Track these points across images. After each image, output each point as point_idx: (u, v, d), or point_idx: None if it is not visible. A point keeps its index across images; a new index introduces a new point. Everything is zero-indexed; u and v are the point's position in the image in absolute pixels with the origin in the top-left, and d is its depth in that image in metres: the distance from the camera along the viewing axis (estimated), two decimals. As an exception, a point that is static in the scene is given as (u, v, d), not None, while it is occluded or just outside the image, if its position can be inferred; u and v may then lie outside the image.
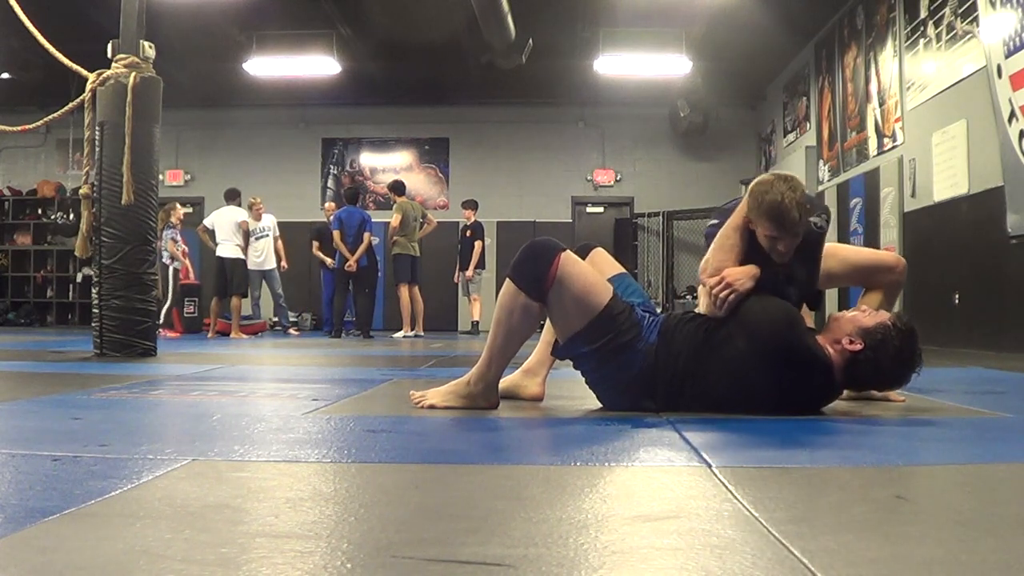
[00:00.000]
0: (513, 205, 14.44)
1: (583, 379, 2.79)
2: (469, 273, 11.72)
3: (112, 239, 5.32)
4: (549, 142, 14.74)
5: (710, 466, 1.74)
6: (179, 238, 10.44)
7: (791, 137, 12.71)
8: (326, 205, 12.59)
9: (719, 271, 2.65)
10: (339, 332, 10.49)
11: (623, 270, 2.97)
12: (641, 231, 14.56)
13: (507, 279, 2.65)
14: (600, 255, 2.97)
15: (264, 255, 10.84)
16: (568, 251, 2.64)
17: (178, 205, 10.71)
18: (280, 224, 11.23)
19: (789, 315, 2.59)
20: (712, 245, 2.75)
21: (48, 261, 14.84)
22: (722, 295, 2.59)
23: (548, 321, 2.95)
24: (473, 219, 11.89)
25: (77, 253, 5.56)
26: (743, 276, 2.62)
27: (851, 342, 2.55)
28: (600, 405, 2.76)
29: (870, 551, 1.14)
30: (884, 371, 2.58)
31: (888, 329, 2.56)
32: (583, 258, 2.78)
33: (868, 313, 2.64)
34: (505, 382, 2.94)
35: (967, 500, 1.55)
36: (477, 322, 11.77)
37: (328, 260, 11.33)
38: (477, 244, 11.70)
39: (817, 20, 10.89)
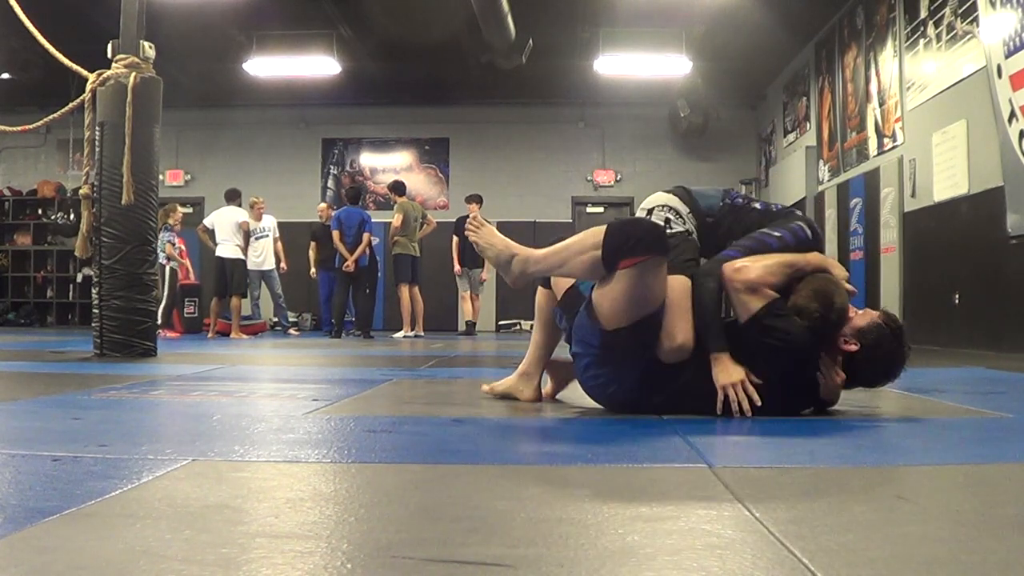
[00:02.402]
0: (513, 205, 14.42)
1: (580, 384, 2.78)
2: (484, 275, 11.56)
3: (112, 239, 5.32)
4: (549, 142, 14.73)
5: (710, 466, 1.74)
6: (176, 240, 10.41)
7: (791, 137, 12.70)
8: (319, 206, 12.48)
9: (760, 285, 2.55)
10: (339, 332, 10.48)
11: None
12: (641, 231, 14.50)
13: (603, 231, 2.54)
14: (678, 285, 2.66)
15: (263, 255, 10.84)
16: (667, 262, 2.55)
17: (178, 206, 10.69)
18: (280, 224, 11.23)
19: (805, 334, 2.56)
20: (767, 259, 2.62)
21: (48, 261, 14.83)
22: (738, 401, 2.52)
23: (540, 324, 2.96)
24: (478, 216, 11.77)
25: (77, 253, 5.56)
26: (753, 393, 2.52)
27: (846, 343, 2.57)
28: (599, 406, 2.76)
29: (870, 551, 1.14)
30: (879, 370, 2.63)
31: (881, 328, 2.59)
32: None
33: (858, 313, 2.64)
34: (501, 385, 2.98)
35: (967, 500, 1.55)
36: (474, 323, 11.71)
37: (313, 270, 11.52)
38: None
39: (817, 20, 10.88)
